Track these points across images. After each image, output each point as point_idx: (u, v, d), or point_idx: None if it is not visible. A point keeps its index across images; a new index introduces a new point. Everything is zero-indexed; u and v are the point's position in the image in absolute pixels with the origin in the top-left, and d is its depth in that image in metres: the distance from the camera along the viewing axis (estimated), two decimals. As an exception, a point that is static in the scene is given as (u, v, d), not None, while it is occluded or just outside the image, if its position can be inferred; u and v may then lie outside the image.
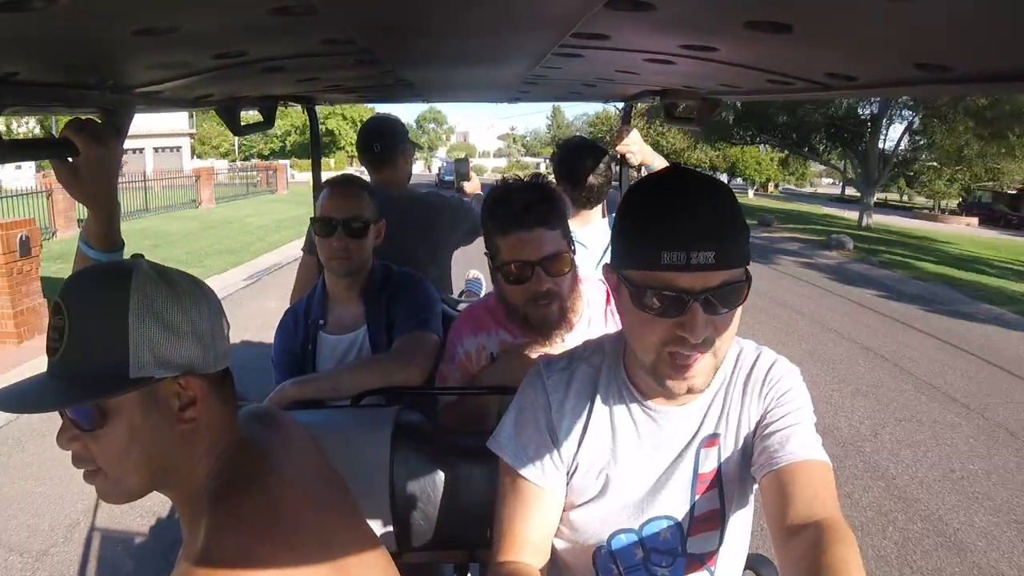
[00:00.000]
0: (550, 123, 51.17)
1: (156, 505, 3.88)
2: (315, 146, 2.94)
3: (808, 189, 56.56)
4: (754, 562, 1.42)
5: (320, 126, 2.92)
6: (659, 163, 2.51)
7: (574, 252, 1.62)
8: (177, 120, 40.49)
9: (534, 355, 1.66)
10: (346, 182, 2.01)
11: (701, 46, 1.00)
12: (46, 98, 1.06)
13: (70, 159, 1.17)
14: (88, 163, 1.18)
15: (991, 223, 32.36)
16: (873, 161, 24.00)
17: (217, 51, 1.06)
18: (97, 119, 1.22)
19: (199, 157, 46.48)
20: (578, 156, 2.50)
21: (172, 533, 3.68)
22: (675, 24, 0.90)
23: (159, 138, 41.19)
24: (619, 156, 2.51)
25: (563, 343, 1.65)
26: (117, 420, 0.88)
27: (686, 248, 0.93)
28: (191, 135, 45.57)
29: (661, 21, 0.86)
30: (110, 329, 0.86)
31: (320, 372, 1.92)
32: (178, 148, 42.61)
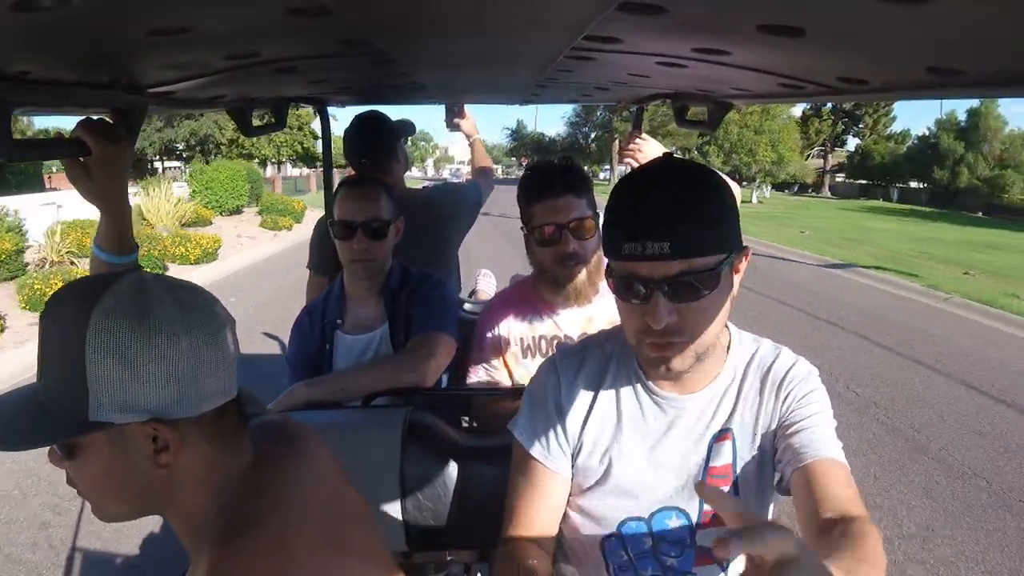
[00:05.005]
0: (516, 132, 62.51)
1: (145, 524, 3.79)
2: (326, 149, 2.93)
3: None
4: None
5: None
6: None
7: (598, 221, 1.73)
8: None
9: (567, 321, 1.83)
10: (363, 182, 1.99)
11: (713, 49, 1.00)
12: (58, 97, 1.06)
13: (81, 159, 1.18)
14: (99, 163, 1.18)
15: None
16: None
17: (230, 52, 1.06)
18: (109, 119, 1.23)
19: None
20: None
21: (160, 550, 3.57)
22: (687, 27, 0.89)
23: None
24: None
25: (591, 304, 1.82)
26: (87, 455, 0.80)
27: (641, 239, 0.98)
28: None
29: (673, 24, 0.86)
30: (69, 363, 0.76)
31: (331, 373, 1.92)
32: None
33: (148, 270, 0.87)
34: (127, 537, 3.58)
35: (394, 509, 1.51)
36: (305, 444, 1.02)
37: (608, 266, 1.07)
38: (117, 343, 0.75)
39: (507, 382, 1.90)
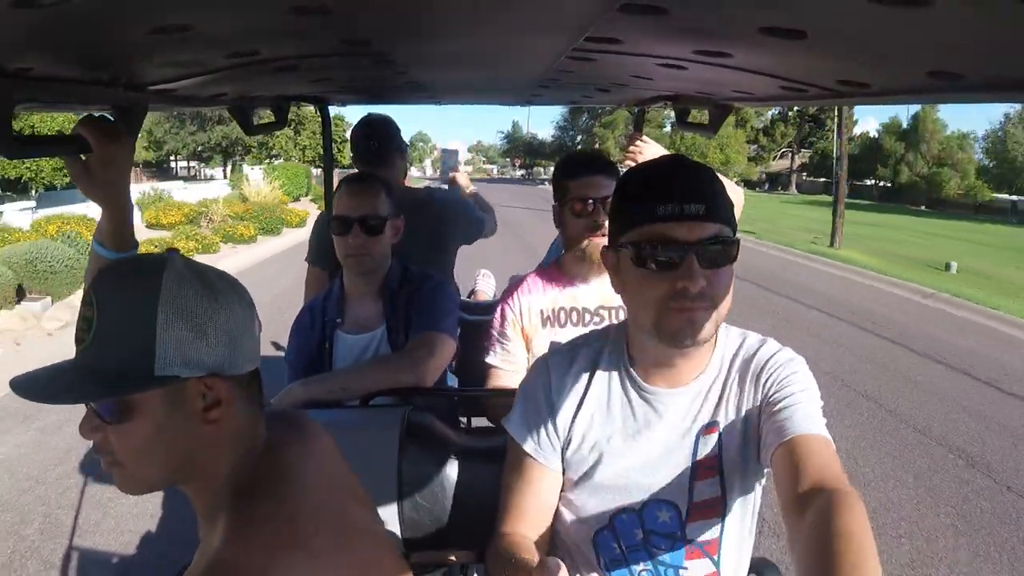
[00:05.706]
0: (510, 135, 69.71)
1: (141, 523, 3.77)
2: (327, 147, 2.95)
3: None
4: (758, 565, 1.41)
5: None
6: None
7: None
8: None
9: (586, 292, 1.96)
10: (362, 179, 2.00)
11: (715, 51, 1.00)
12: (60, 94, 1.06)
13: (82, 156, 1.18)
14: (100, 160, 1.17)
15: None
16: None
17: (231, 50, 1.06)
18: (109, 116, 1.23)
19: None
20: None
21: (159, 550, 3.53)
22: (688, 29, 0.90)
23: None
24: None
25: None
26: (140, 415, 0.86)
27: (679, 201, 1.03)
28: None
29: (674, 26, 0.86)
30: (138, 324, 0.84)
31: (329, 372, 1.92)
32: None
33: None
34: (127, 537, 3.58)
35: (391, 509, 1.50)
36: (309, 431, 1.10)
37: (627, 242, 1.09)
38: (187, 305, 0.86)
39: (524, 355, 1.95)
